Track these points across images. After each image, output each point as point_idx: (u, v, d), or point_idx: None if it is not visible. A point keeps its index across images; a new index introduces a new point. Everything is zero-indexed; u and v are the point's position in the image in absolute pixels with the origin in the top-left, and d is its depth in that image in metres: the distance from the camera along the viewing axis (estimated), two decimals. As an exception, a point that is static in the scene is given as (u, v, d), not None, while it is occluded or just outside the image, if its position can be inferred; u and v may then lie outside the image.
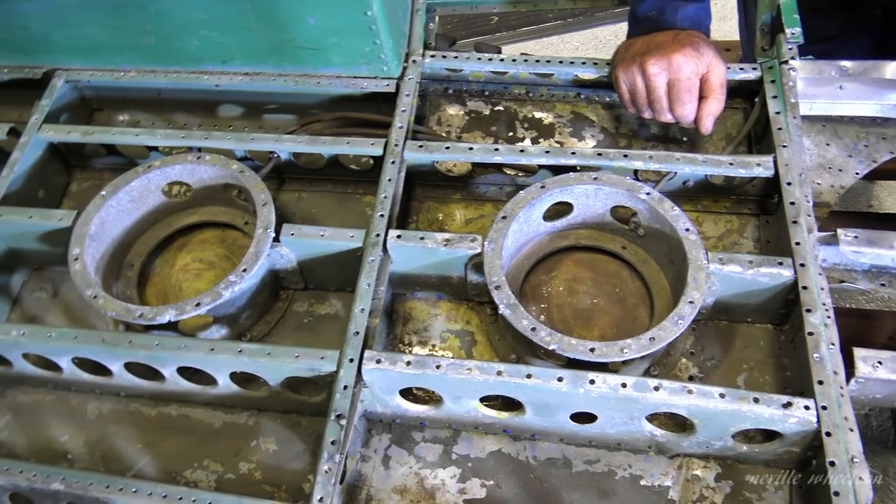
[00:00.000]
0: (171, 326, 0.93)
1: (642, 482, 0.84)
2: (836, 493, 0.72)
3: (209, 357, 0.86)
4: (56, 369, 0.93)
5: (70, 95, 1.16)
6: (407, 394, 0.87)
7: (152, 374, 0.91)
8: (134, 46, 1.08)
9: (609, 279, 0.98)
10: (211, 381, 0.90)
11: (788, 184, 0.91)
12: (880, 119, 1.06)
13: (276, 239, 0.94)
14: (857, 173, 1.04)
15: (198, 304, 0.89)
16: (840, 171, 1.04)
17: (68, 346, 0.88)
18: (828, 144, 1.06)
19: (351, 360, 0.83)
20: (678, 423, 0.83)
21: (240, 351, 0.86)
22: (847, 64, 1.01)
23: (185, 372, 0.90)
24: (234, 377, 0.89)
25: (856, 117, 1.07)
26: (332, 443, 0.79)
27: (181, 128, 1.17)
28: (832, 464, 0.73)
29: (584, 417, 0.83)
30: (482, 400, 0.85)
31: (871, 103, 1.05)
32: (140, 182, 1.01)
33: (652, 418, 0.82)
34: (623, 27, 1.08)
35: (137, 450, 0.92)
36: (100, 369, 0.92)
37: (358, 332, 0.85)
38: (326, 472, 0.78)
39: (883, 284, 0.93)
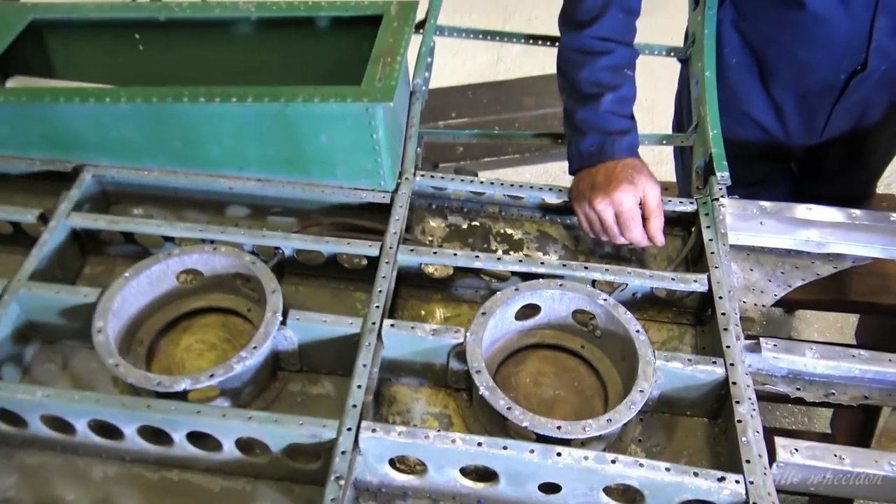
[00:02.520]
0: (182, 396, 1.03)
1: (599, 549, 0.96)
2: (762, 553, 0.85)
3: (221, 422, 0.96)
4: (70, 432, 1.01)
5: (93, 188, 1.29)
6: (394, 464, 0.99)
7: (160, 439, 1.01)
8: (162, 149, 1.23)
9: (569, 373, 1.13)
10: (216, 446, 1.00)
11: (720, 297, 1.10)
12: (794, 251, 1.28)
13: (283, 322, 1.07)
14: (775, 295, 1.24)
15: (212, 376, 1.01)
16: (762, 292, 1.24)
17: (90, 407, 0.97)
18: (751, 269, 1.26)
19: (349, 429, 0.95)
20: (629, 500, 0.96)
21: (249, 418, 0.96)
22: (765, 204, 1.23)
23: (191, 438, 0.99)
24: (239, 444, 0.99)
25: (774, 248, 1.28)
26: (332, 500, 0.89)
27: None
28: (758, 528, 0.87)
29: (550, 489, 0.95)
30: (461, 472, 0.97)
31: (785, 237, 1.26)
32: (160, 267, 1.14)
33: (608, 493, 0.95)
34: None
35: (140, 509, 1.00)
36: (111, 433, 1.01)
37: (356, 406, 0.97)
38: (326, 526, 0.88)
39: (798, 388, 1.11)
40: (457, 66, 3.45)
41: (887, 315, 1.63)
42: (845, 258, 1.27)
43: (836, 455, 0.97)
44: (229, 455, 1.00)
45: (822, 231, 1.24)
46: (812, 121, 1.46)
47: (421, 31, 1.48)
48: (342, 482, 0.91)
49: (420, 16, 1.43)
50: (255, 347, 1.04)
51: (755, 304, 1.22)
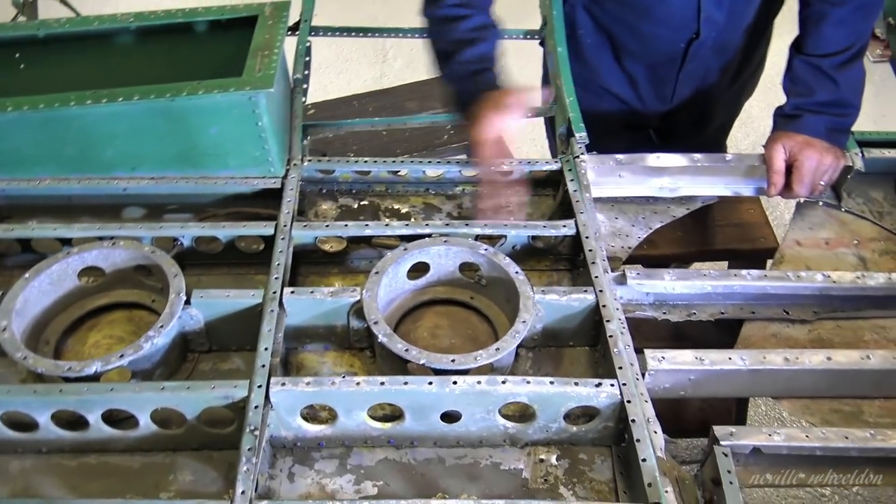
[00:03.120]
0: (94, 381, 1.07)
1: (501, 468, 1.05)
2: (638, 440, 0.97)
3: (135, 396, 1.01)
4: (-18, 427, 1.03)
5: (-17, 204, 1.31)
6: (305, 418, 1.06)
7: (75, 427, 1.04)
8: (53, 157, 1.26)
9: (463, 324, 1.23)
10: (133, 424, 1.04)
11: (587, 237, 1.23)
12: (651, 198, 1.43)
13: (188, 302, 1.12)
14: (638, 237, 1.38)
15: (121, 356, 1.05)
16: (627, 236, 1.38)
17: (2, 399, 1.00)
18: (616, 218, 1.40)
19: (259, 386, 1.01)
20: (523, 416, 1.06)
21: (162, 388, 1.01)
22: (621, 157, 1.38)
23: (107, 421, 1.03)
24: (155, 418, 1.04)
25: (634, 197, 1.42)
26: (249, 449, 0.96)
27: (89, 228, 1.34)
28: (633, 421, 0.99)
29: (451, 418, 1.04)
30: (370, 416, 1.05)
31: (642, 186, 1.41)
32: (60, 266, 1.17)
33: (504, 416, 1.05)
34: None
35: (63, 493, 1.02)
36: (25, 426, 1.03)
37: (264, 365, 1.04)
38: (245, 472, 0.94)
39: (664, 312, 1.25)
40: (342, 84, 3.55)
41: (749, 259, 1.81)
42: (695, 199, 1.43)
43: (696, 357, 1.10)
44: (146, 430, 1.05)
45: (672, 178, 1.40)
46: (662, 89, 1.63)
47: (296, 32, 1.56)
48: (256, 432, 0.97)
49: (295, 17, 1.53)
50: (161, 327, 1.09)
51: (622, 247, 1.36)
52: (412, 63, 3.64)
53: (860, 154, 1.40)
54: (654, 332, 1.33)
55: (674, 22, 1.50)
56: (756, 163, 1.39)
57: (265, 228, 1.24)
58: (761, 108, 2.94)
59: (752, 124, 3.08)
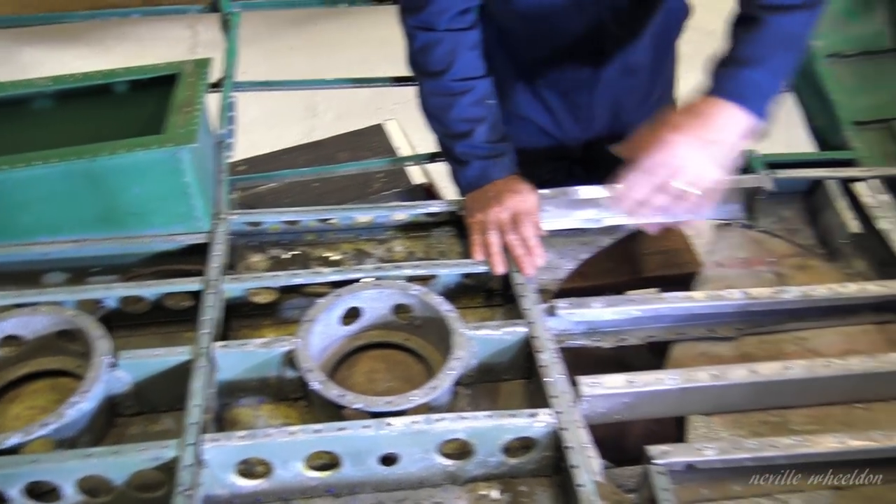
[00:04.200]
0: (14, 452, 1.03)
1: (443, 507, 1.05)
2: (575, 466, 0.98)
3: (60, 466, 0.97)
4: None
5: None
6: (242, 473, 1.03)
7: (-4, 503, 0.99)
8: (-33, 226, 1.23)
9: (399, 366, 1.23)
10: (58, 496, 1.00)
11: (515, 271, 1.25)
12: (578, 230, 1.46)
13: (114, 364, 1.10)
14: (568, 268, 1.41)
15: (43, 425, 1.01)
16: (557, 269, 1.41)
17: (-85, 478, 0.95)
18: (547, 251, 1.43)
19: (190, 444, 0.99)
20: (463, 453, 1.06)
21: (88, 455, 0.98)
22: (545, 191, 1.41)
23: (32, 495, 0.99)
24: (83, 487, 1.00)
25: (562, 230, 1.46)
26: (182, 510, 0.93)
27: (8, 297, 1.30)
28: (569, 447, 1.00)
29: (390, 461, 1.03)
30: (308, 466, 1.03)
31: (568, 219, 1.45)
32: (-23, 337, 1.13)
33: (443, 454, 1.05)
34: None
35: (-15, 574, 0.97)
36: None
37: (195, 423, 1.02)
38: (179, 533, 0.91)
39: (596, 340, 1.27)
40: (273, 140, 3.55)
41: (677, 284, 1.85)
42: (620, 228, 1.47)
43: (628, 381, 1.12)
44: (73, 501, 1.01)
45: (597, 209, 1.44)
46: (578, 116, 1.66)
47: (220, 88, 1.57)
48: (189, 492, 0.95)
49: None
50: (86, 391, 1.06)
51: (552, 279, 1.38)
52: (343, 115, 3.68)
53: (771, 175, 1.47)
54: (595, 364, 1.34)
55: (580, 43, 1.53)
56: (673, 190, 1.44)
57: (193, 284, 1.22)
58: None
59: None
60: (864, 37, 1.75)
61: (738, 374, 1.13)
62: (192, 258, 1.33)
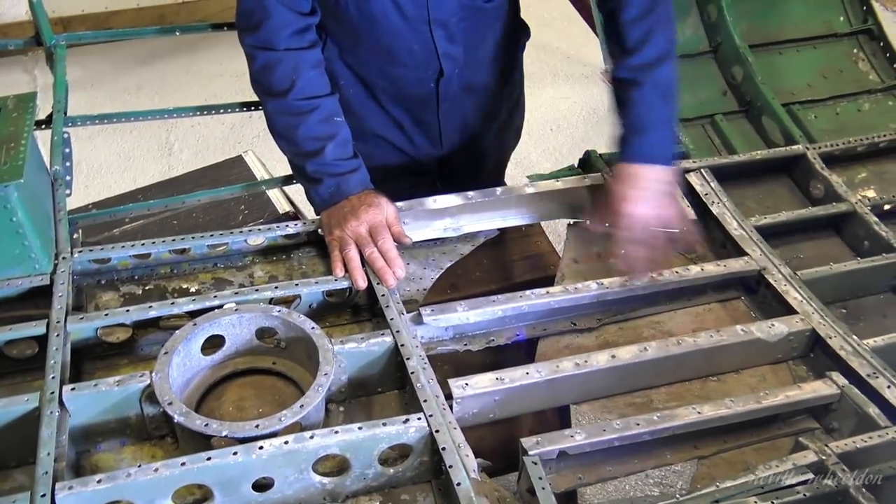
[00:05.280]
0: None
1: (324, 528, 1.02)
2: (451, 466, 0.98)
3: None
4: None
5: None
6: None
7: None
8: None
9: (269, 391, 1.19)
10: None
11: (378, 284, 1.25)
12: (438, 240, 1.49)
13: (-52, 422, 1.00)
14: (432, 278, 1.43)
15: None
16: (420, 279, 1.42)
17: None
18: (408, 263, 1.43)
19: (43, 496, 0.92)
20: (340, 469, 1.04)
21: (-77, 523, 0.89)
22: (400, 203, 1.42)
23: None
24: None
25: (423, 241, 1.47)
26: (36, 567, 0.86)
27: None
28: (444, 449, 1.01)
29: (263, 487, 1.00)
30: None
31: (427, 230, 1.47)
32: None
33: (319, 472, 1.03)
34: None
35: None
36: None
37: (47, 472, 0.95)
38: (34, 593, 0.84)
39: (466, 344, 1.29)
40: (128, 182, 3.40)
41: (546, 286, 1.92)
42: (478, 235, 1.51)
43: (497, 378, 1.15)
44: None
45: (452, 218, 1.47)
46: (428, 132, 1.68)
47: (50, 124, 1.49)
48: (45, 548, 0.88)
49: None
50: (-83, 454, 0.96)
51: (417, 290, 1.39)
52: (201, 151, 3.57)
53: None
54: (472, 370, 1.36)
55: (417, 61, 1.54)
56: (523, 192, 1.50)
57: (36, 328, 1.14)
58: (538, 152, 3.21)
59: (533, 168, 3.32)
60: (682, 42, 1.89)
61: (600, 359, 1.18)
62: (35, 302, 1.25)
